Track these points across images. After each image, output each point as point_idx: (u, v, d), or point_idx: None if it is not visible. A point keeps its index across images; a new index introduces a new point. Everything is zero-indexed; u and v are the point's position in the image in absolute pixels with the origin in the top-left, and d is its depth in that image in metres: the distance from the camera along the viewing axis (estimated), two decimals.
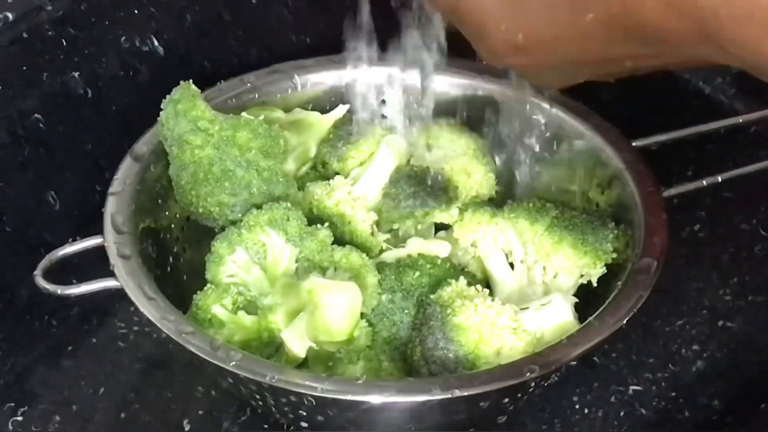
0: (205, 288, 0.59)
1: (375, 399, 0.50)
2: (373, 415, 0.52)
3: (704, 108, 0.76)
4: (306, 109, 0.72)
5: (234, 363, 0.51)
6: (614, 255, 0.61)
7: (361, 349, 0.58)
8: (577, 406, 0.62)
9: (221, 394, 0.62)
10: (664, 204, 0.61)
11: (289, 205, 0.61)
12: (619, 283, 0.57)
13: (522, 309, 0.58)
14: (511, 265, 0.63)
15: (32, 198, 0.67)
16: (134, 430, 0.61)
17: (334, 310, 0.56)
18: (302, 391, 0.50)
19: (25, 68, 0.64)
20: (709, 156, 0.72)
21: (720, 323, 0.67)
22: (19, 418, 0.61)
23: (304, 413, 0.53)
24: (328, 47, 0.74)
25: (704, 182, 0.63)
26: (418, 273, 0.62)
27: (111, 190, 0.61)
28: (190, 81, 0.63)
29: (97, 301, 0.60)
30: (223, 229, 0.62)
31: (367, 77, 0.72)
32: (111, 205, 0.60)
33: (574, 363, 0.54)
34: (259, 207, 0.61)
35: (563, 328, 0.57)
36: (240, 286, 0.59)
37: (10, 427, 0.60)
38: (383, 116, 0.74)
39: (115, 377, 0.64)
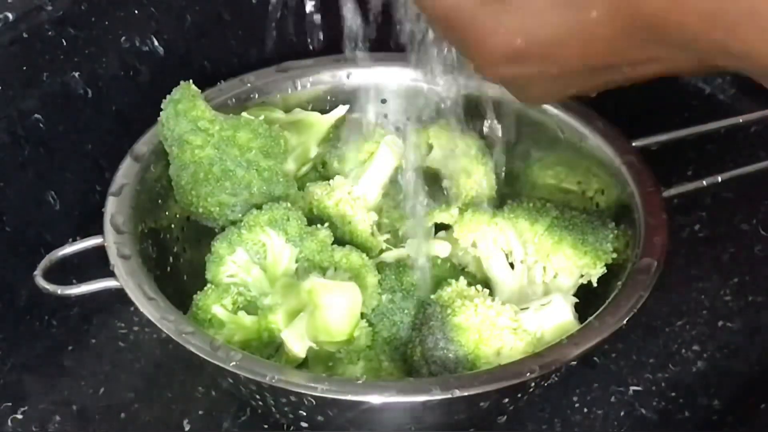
0: (205, 288, 0.59)
1: (375, 399, 0.50)
2: (373, 415, 0.52)
3: (704, 108, 0.76)
4: (306, 109, 0.72)
5: (234, 363, 0.51)
6: (614, 255, 0.61)
7: (361, 349, 0.58)
8: (577, 406, 0.62)
9: (221, 394, 0.62)
10: (664, 204, 0.61)
11: (289, 205, 0.61)
12: (619, 283, 0.57)
13: (522, 309, 0.58)
14: (511, 265, 0.63)
15: (32, 198, 0.67)
16: (134, 430, 0.61)
17: (334, 310, 0.56)
18: (302, 391, 0.50)
19: (25, 68, 0.64)
20: (709, 156, 0.72)
21: (720, 323, 0.67)
22: (19, 418, 0.61)
23: (304, 413, 0.53)
24: (328, 47, 0.74)
25: (704, 182, 0.63)
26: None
27: (111, 190, 0.61)
28: (190, 81, 0.63)
29: (97, 301, 0.60)
30: (223, 229, 0.62)
31: (368, 77, 0.72)
32: (111, 205, 0.60)
33: (574, 363, 0.54)
34: (259, 207, 0.61)
35: (563, 328, 0.57)
36: (240, 286, 0.59)
37: (10, 426, 0.60)
38: (384, 116, 0.74)
39: (115, 377, 0.64)
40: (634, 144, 0.65)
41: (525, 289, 0.63)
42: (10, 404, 0.61)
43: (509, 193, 0.70)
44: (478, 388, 0.50)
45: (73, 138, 0.69)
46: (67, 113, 0.68)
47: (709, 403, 0.62)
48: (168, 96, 0.63)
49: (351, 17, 0.58)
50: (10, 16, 0.63)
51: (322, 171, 0.70)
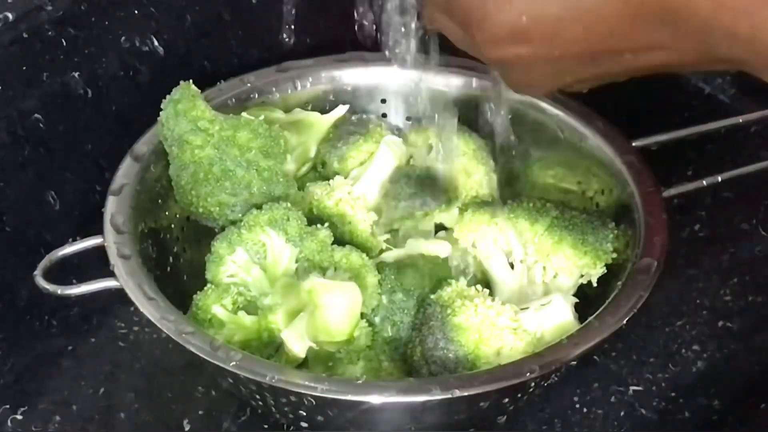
0: (205, 288, 0.59)
1: (375, 399, 0.50)
2: (373, 415, 0.52)
3: (704, 108, 0.76)
4: (306, 109, 0.72)
5: (234, 363, 0.51)
6: (614, 255, 0.61)
7: (361, 349, 0.58)
8: (577, 406, 0.62)
9: (221, 394, 0.62)
10: (664, 204, 0.61)
11: (289, 205, 0.61)
12: (619, 283, 0.57)
13: (522, 309, 0.58)
14: (511, 265, 0.63)
15: (32, 198, 0.67)
16: (134, 430, 0.61)
17: (334, 310, 0.56)
18: (302, 391, 0.50)
19: (25, 68, 0.64)
20: (709, 156, 0.72)
21: (720, 323, 0.67)
22: (19, 418, 0.61)
23: (304, 413, 0.53)
24: (328, 47, 0.74)
25: (704, 182, 0.63)
26: (418, 273, 0.62)
27: (111, 190, 0.61)
28: (190, 81, 0.63)
29: (97, 301, 0.60)
30: (223, 229, 0.62)
31: (368, 77, 0.72)
32: (111, 205, 0.60)
33: (574, 363, 0.54)
34: (259, 207, 0.61)
35: (563, 328, 0.57)
36: (240, 286, 0.59)
37: (10, 426, 0.60)
38: (383, 116, 0.74)
39: (115, 377, 0.64)
40: (634, 144, 0.65)
41: (525, 289, 0.63)
42: (10, 404, 0.61)
43: (509, 193, 0.70)
44: (478, 388, 0.50)
45: (73, 138, 0.69)
46: (67, 113, 0.68)
47: (709, 403, 0.62)
48: (168, 96, 0.63)
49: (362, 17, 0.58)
50: (10, 16, 0.63)
51: (322, 171, 0.70)
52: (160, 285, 0.56)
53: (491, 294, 0.60)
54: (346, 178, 0.67)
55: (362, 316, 0.59)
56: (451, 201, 0.66)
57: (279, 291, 0.58)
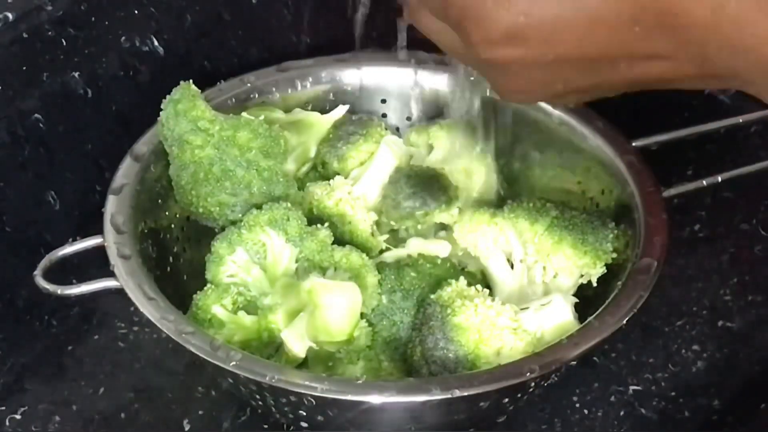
0: (205, 288, 0.59)
1: (375, 399, 0.50)
2: (373, 415, 0.52)
3: (704, 108, 0.76)
4: (306, 109, 0.72)
5: (234, 363, 0.51)
6: (614, 255, 0.61)
7: (361, 349, 0.58)
8: (577, 406, 0.62)
9: (221, 394, 0.62)
10: (664, 204, 0.61)
11: (289, 205, 0.61)
12: (619, 283, 0.57)
13: (522, 309, 0.58)
14: (511, 265, 0.63)
15: (32, 198, 0.67)
16: (134, 430, 0.61)
17: (334, 310, 0.56)
18: (302, 391, 0.50)
19: (25, 68, 0.64)
20: (709, 156, 0.72)
21: (720, 323, 0.67)
22: (19, 418, 0.61)
23: (304, 413, 0.53)
24: (328, 47, 0.74)
25: (704, 182, 0.63)
26: (418, 273, 0.62)
27: (111, 189, 0.61)
28: (190, 81, 0.63)
29: (97, 301, 0.60)
30: (223, 229, 0.62)
31: (368, 77, 0.72)
32: (111, 205, 0.60)
33: (574, 363, 0.54)
34: (259, 207, 0.61)
35: (563, 328, 0.57)
36: (240, 286, 0.59)
37: (10, 426, 0.60)
38: (383, 116, 0.74)
39: (115, 377, 0.64)
40: (634, 144, 0.65)
41: (525, 289, 0.63)
42: (10, 404, 0.61)
43: (509, 193, 0.70)
44: (478, 388, 0.50)
45: (73, 138, 0.69)
46: (67, 113, 0.68)
47: (709, 403, 0.62)
48: (168, 96, 0.63)
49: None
50: (10, 16, 0.63)
51: (322, 171, 0.70)
52: (160, 285, 0.56)
53: (491, 294, 0.60)
54: (346, 178, 0.67)
55: (362, 316, 0.59)
56: (451, 201, 0.66)
57: (279, 291, 0.58)
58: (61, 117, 0.67)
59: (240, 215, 0.62)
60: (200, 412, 0.61)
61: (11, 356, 0.64)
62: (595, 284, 0.61)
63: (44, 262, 0.56)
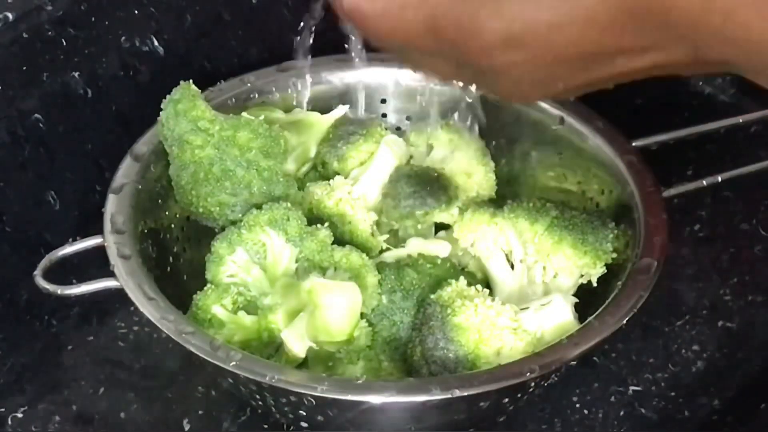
0: (205, 288, 0.59)
1: (375, 399, 0.50)
2: (373, 415, 0.52)
3: (704, 108, 0.76)
4: (306, 109, 0.72)
5: (234, 363, 0.51)
6: (614, 255, 0.61)
7: (361, 349, 0.58)
8: (577, 406, 0.62)
9: (221, 394, 0.62)
10: (664, 204, 0.61)
11: (289, 205, 0.61)
12: (619, 283, 0.57)
13: (522, 309, 0.58)
14: (511, 265, 0.63)
15: (32, 198, 0.67)
16: (134, 430, 0.61)
17: (334, 310, 0.56)
18: (302, 391, 0.50)
19: (25, 68, 0.64)
20: (709, 156, 0.72)
21: (720, 323, 0.67)
22: (19, 418, 0.61)
23: (304, 413, 0.53)
24: (328, 47, 0.74)
25: (704, 182, 0.63)
26: (418, 273, 0.62)
27: (111, 189, 0.61)
28: (190, 81, 0.63)
29: (97, 301, 0.60)
30: (223, 229, 0.62)
31: (368, 77, 0.72)
32: (111, 205, 0.60)
33: (574, 363, 0.54)
34: (259, 207, 0.61)
35: (563, 328, 0.57)
36: (240, 286, 0.59)
37: (10, 426, 0.60)
38: (383, 116, 0.74)
39: (115, 377, 0.64)
40: (634, 144, 0.65)
41: (525, 289, 0.63)
42: (10, 404, 0.61)
43: (509, 193, 0.70)
44: (478, 388, 0.50)
45: (73, 138, 0.69)
46: (67, 113, 0.68)
47: (709, 403, 0.62)
48: (168, 96, 0.63)
49: None
50: (10, 16, 0.63)
51: (322, 171, 0.70)
52: (160, 285, 0.56)
53: (491, 294, 0.60)
54: (346, 178, 0.67)
55: (362, 316, 0.59)
56: (451, 201, 0.66)
57: (279, 291, 0.58)
58: (61, 117, 0.67)
59: (240, 215, 0.62)
60: (200, 412, 0.61)
61: (11, 356, 0.64)
62: (595, 284, 0.61)
63: (44, 262, 0.56)
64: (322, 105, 0.72)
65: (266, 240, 0.59)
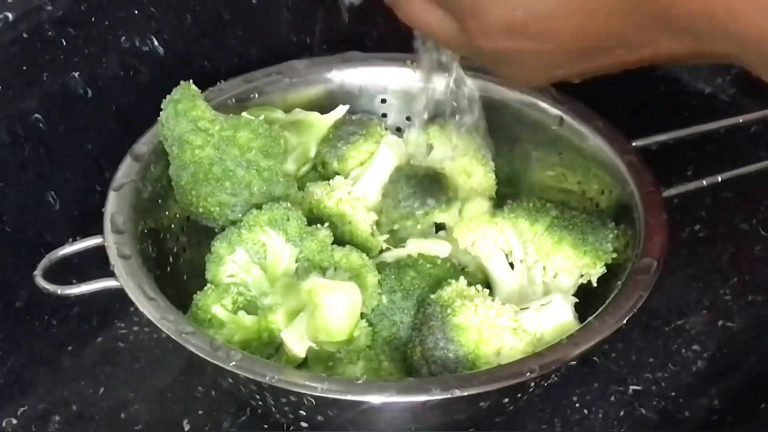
0: (205, 288, 0.59)
1: (375, 399, 0.50)
2: (373, 415, 0.52)
3: (704, 108, 0.76)
4: (306, 109, 0.72)
5: (234, 363, 0.51)
6: (614, 255, 0.61)
7: (361, 349, 0.58)
8: (577, 406, 0.62)
9: (221, 394, 0.62)
10: (664, 204, 0.61)
11: (289, 205, 0.61)
12: (619, 283, 0.57)
13: (522, 309, 0.58)
14: (511, 265, 0.63)
15: (32, 198, 0.67)
16: (134, 430, 0.61)
17: (334, 310, 0.56)
18: (302, 391, 0.50)
19: (25, 68, 0.64)
20: (709, 156, 0.72)
21: (720, 323, 0.67)
22: (19, 418, 0.61)
23: (304, 413, 0.53)
24: (328, 47, 0.74)
25: (704, 182, 0.63)
26: (418, 273, 0.62)
27: (111, 189, 0.61)
28: (190, 81, 0.63)
29: (97, 301, 0.60)
30: (223, 229, 0.62)
31: (368, 77, 0.72)
32: (111, 205, 0.60)
33: (574, 363, 0.54)
34: (259, 207, 0.61)
35: (563, 328, 0.57)
36: (240, 286, 0.59)
37: (10, 427, 0.60)
38: (383, 116, 0.74)
39: (115, 377, 0.64)
40: (634, 144, 0.65)
41: (525, 289, 0.63)
42: (10, 404, 0.61)
43: (509, 193, 0.70)
44: (478, 388, 0.50)
45: (73, 138, 0.69)
46: (67, 113, 0.68)
47: (709, 403, 0.62)
48: (168, 96, 0.63)
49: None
50: (10, 16, 0.63)
51: (322, 171, 0.70)
52: (160, 285, 0.56)
53: (491, 294, 0.60)
54: (346, 178, 0.67)
55: (362, 316, 0.59)
56: (451, 201, 0.66)
57: (279, 291, 0.58)
58: (61, 117, 0.67)
59: (240, 215, 0.62)
60: (200, 412, 0.61)
61: (11, 356, 0.64)
62: (595, 284, 0.61)
63: (44, 262, 0.56)
64: (322, 105, 0.72)
65: (266, 240, 0.59)
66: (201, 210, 0.63)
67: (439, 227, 0.68)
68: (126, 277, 0.55)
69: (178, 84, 0.63)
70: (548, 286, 0.62)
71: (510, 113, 0.69)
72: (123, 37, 0.70)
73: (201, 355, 0.51)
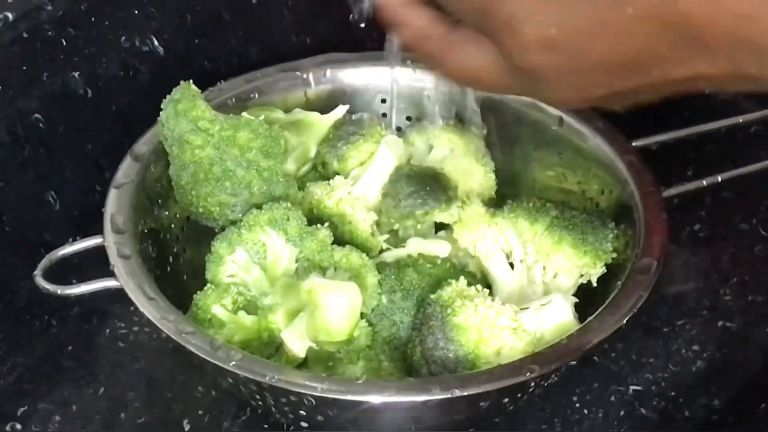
0: (205, 288, 0.59)
1: (375, 399, 0.50)
2: (373, 415, 0.52)
3: (704, 108, 0.76)
4: (306, 109, 0.72)
5: (234, 363, 0.51)
6: (614, 255, 0.61)
7: (361, 349, 0.58)
8: (577, 406, 0.62)
9: (221, 394, 0.62)
10: (664, 204, 0.61)
11: (289, 205, 0.61)
12: (619, 283, 0.57)
13: (522, 309, 0.58)
14: (511, 265, 0.63)
15: (32, 198, 0.67)
16: (134, 430, 0.61)
17: (334, 310, 0.56)
18: (302, 391, 0.50)
19: (25, 68, 0.64)
20: (709, 156, 0.72)
21: (720, 323, 0.67)
22: (19, 418, 0.61)
23: (304, 413, 0.53)
24: (328, 47, 0.74)
25: (704, 182, 0.63)
26: (418, 273, 0.62)
27: (111, 189, 0.61)
28: (190, 81, 0.63)
29: (97, 301, 0.60)
30: (223, 229, 0.62)
31: (368, 77, 0.72)
32: (111, 205, 0.60)
33: (574, 363, 0.54)
34: (259, 207, 0.61)
35: (563, 328, 0.57)
36: (240, 286, 0.59)
37: (10, 427, 0.60)
38: (383, 116, 0.74)
39: (115, 377, 0.64)
40: (634, 144, 0.65)
41: (525, 289, 0.63)
42: (10, 404, 0.61)
43: (509, 193, 0.70)
44: (478, 388, 0.50)
45: (73, 138, 0.69)
46: (67, 113, 0.68)
47: (709, 403, 0.62)
48: (168, 96, 0.63)
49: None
50: (10, 16, 0.63)
51: (322, 171, 0.70)
52: (160, 285, 0.56)
53: (491, 294, 0.60)
54: (346, 178, 0.67)
55: (362, 316, 0.59)
56: (451, 201, 0.66)
57: (279, 291, 0.58)
58: (61, 117, 0.67)
59: (240, 215, 0.62)
60: (200, 412, 0.61)
61: (11, 356, 0.64)
62: (595, 284, 0.61)
63: (44, 262, 0.56)
64: (322, 105, 0.72)
65: (266, 240, 0.59)
66: (201, 210, 0.63)
67: (439, 227, 0.68)
68: (126, 277, 0.55)
69: (178, 84, 0.63)
70: (548, 286, 0.62)
71: (510, 113, 0.69)
72: (123, 37, 0.71)
73: (201, 355, 0.51)
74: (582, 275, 0.62)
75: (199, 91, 0.64)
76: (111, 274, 0.56)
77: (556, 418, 0.61)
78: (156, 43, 0.73)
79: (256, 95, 0.70)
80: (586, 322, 0.54)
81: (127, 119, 0.71)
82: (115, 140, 0.68)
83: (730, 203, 0.73)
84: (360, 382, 0.52)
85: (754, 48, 0.36)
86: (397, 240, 0.66)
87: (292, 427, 0.59)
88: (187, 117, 0.62)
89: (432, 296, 0.59)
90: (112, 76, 0.70)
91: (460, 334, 0.55)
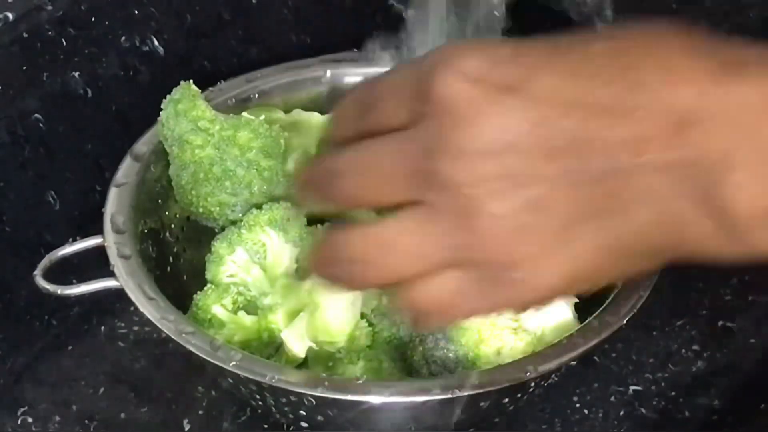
0: (205, 288, 0.59)
1: (375, 399, 0.49)
2: (373, 415, 0.52)
3: None
4: (306, 109, 0.71)
5: (234, 363, 0.51)
6: None
7: (361, 349, 0.58)
8: (577, 406, 0.62)
9: (221, 394, 0.62)
10: None
11: (289, 205, 0.61)
12: (619, 283, 0.57)
13: None
14: None
15: (32, 198, 0.67)
16: (134, 430, 0.61)
17: (334, 310, 0.56)
18: (302, 391, 0.50)
19: (25, 68, 0.64)
20: None
21: (720, 323, 0.67)
22: (19, 418, 0.61)
23: (304, 413, 0.53)
24: (328, 47, 0.74)
25: None
26: None
27: (111, 189, 0.61)
28: (190, 81, 0.63)
29: (97, 301, 0.60)
30: (223, 229, 0.62)
31: (368, 76, 0.72)
32: (111, 205, 0.60)
33: (574, 363, 0.54)
34: (259, 207, 0.61)
35: (563, 328, 0.57)
36: (240, 286, 0.59)
37: (10, 427, 0.60)
38: None
39: (115, 377, 0.64)
40: None
41: None
42: (9, 404, 0.61)
43: None
44: (478, 388, 0.50)
45: (73, 138, 0.69)
46: (67, 113, 0.68)
47: (709, 403, 0.62)
48: (168, 96, 0.63)
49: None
50: (10, 16, 0.63)
51: None
52: (160, 285, 0.56)
53: None
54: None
55: (362, 316, 0.59)
56: None
57: (279, 291, 0.58)
58: (61, 117, 0.67)
59: (240, 215, 0.62)
60: (200, 412, 0.61)
61: (11, 356, 0.64)
62: None
63: (44, 262, 0.56)
64: (322, 105, 0.72)
65: (266, 240, 0.59)
66: (201, 210, 0.63)
67: None
68: (126, 277, 0.55)
69: (178, 84, 0.63)
70: None
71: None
72: (123, 37, 0.70)
73: (201, 355, 0.51)
74: None
75: (199, 91, 0.63)
76: (111, 274, 0.56)
77: (556, 418, 0.61)
78: (156, 43, 0.73)
79: (256, 95, 0.70)
80: (586, 322, 0.54)
81: (127, 119, 0.71)
82: (115, 140, 0.68)
83: None
84: (360, 382, 0.52)
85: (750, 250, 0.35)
86: None
87: (292, 427, 0.59)
88: (187, 117, 0.62)
89: None
90: (112, 76, 0.70)
91: (460, 333, 0.55)
